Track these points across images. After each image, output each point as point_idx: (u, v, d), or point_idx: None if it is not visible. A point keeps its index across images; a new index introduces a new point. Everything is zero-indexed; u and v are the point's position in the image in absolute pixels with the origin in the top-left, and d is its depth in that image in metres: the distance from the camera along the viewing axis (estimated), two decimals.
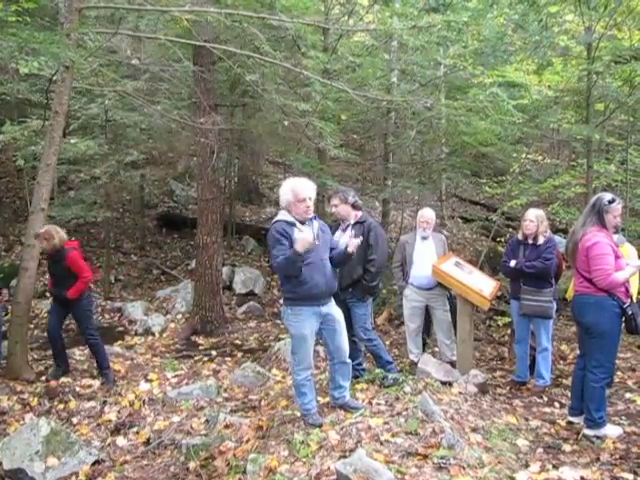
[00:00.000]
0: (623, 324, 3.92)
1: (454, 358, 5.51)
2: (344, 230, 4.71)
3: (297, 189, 3.79)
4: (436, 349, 6.11)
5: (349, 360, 4.11)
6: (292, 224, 3.79)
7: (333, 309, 3.97)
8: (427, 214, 5.71)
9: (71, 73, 5.52)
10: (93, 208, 9.00)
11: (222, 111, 8.99)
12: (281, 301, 9.52)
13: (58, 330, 5.67)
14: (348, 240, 3.98)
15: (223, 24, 6.15)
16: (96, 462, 4.10)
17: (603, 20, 7.40)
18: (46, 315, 7.85)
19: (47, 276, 5.66)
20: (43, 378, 5.53)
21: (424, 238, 5.69)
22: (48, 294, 6.11)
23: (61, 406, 4.95)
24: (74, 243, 5.72)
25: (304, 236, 3.59)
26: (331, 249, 4.01)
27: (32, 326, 7.48)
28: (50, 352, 6.11)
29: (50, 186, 5.66)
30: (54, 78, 5.73)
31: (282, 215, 3.86)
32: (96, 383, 5.44)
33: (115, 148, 9.41)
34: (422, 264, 5.58)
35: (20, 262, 5.85)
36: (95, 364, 5.76)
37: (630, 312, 3.83)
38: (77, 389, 5.27)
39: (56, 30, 6.42)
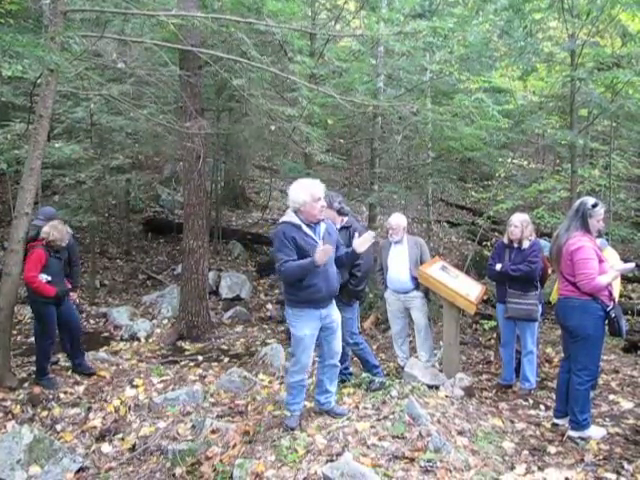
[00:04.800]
0: (606, 327, 3.97)
1: (429, 364, 5.55)
2: None
3: (313, 189, 3.74)
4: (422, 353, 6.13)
5: (339, 364, 4.14)
6: (298, 227, 3.76)
7: (332, 310, 4.02)
8: (392, 221, 5.77)
9: (56, 76, 5.46)
10: (78, 212, 8.92)
11: (208, 115, 8.98)
12: (268, 306, 9.51)
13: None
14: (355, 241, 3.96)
15: (210, 28, 6.14)
16: (80, 469, 4.03)
17: (586, 28, 7.52)
18: (29, 321, 7.76)
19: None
20: (26, 385, 5.45)
21: (397, 243, 5.76)
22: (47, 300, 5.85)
23: (45, 413, 4.87)
24: None
25: (326, 249, 3.59)
26: (337, 247, 4.01)
27: (15, 332, 7.38)
28: (33, 359, 6.03)
29: (34, 190, 5.60)
30: (38, 81, 5.68)
31: (289, 216, 3.80)
32: (80, 389, 5.37)
33: (100, 152, 9.35)
34: (395, 268, 5.69)
35: (3, 267, 5.76)
36: (70, 358, 5.91)
37: (613, 315, 3.89)
38: (61, 396, 5.19)
39: (40, 32, 6.37)
